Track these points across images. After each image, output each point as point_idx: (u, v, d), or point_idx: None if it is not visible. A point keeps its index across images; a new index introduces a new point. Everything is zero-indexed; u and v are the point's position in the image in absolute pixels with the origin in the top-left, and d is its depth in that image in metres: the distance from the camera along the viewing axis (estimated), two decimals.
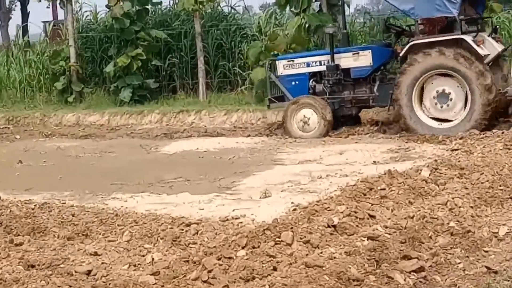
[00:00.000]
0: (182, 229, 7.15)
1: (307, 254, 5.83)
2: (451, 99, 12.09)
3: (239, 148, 12.96)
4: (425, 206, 7.14)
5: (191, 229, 7.15)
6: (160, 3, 20.79)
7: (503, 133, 11.27)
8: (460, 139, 11.53)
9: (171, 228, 7.18)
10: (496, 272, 5.29)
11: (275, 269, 5.52)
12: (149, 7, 20.08)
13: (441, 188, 8.01)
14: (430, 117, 12.28)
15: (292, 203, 8.05)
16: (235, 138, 14.18)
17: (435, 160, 9.65)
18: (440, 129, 12.22)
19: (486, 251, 6.00)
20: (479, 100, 11.79)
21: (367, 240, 6.02)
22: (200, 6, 18.50)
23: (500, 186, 7.95)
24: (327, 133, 12.95)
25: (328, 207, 7.21)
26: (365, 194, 7.74)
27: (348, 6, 20.96)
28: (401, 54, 12.48)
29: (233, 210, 8.01)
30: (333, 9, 17.51)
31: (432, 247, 5.98)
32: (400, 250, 5.74)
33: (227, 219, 7.57)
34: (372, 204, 7.28)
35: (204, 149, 13.10)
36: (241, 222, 7.45)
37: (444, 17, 12.51)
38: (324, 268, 5.35)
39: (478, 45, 11.98)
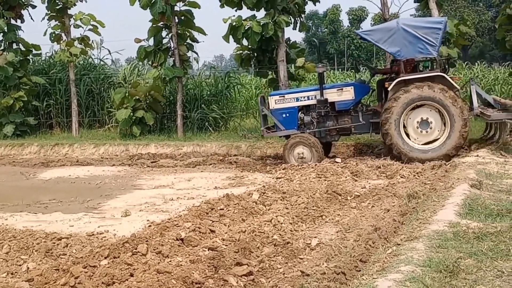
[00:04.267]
0: (54, 243, 6.89)
1: (159, 263, 5.77)
2: (431, 124, 11.80)
3: (105, 175, 12.70)
4: (255, 222, 7.20)
5: (62, 242, 6.90)
6: (40, 54, 20.29)
7: (316, 165, 11.55)
8: (283, 169, 11.76)
9: (45, 242, 6.90)
10: (308, 275, 5.38)
11: (132, 275, 5.42)
12: (30, 57, 19.70)
13: (268, 208, 8.14)
14: (416, 142, 11.88)
15: (148, 220, 7.96)
16: (102, 167, 13.88)
17: (263, 186, 9.79)
18: (425, 150, 11.77)
19: (301, 258, 6.10)
20: (457, 123, 11.56)
21: (208, 250, 6.01)
22: (74, 58, 18.20)
23: (313, 206, 8.13)
24: (322, 159, 12.28)
25: (177, 223, 7.17)
26: (207, 213, 7.75)
27: (197, 61, 21.08)
28: (389, 89, 12.00)
29: (98, 227, 7.82)
30: (185, 64, 17.60)
31: (259, 255, 6.02)
32: (234, 258, 5.75)
33: (93, 234, 7.37)
34: (213, 221, 7.30)
35: (75, 176, 12.77)
36: (105, 237, 7.28)
37: (411, 59, 12.24)
38: (172, 274, 5.30)
39: (453, 80, 11.94)
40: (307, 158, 12.35)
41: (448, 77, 11.91)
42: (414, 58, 12.29)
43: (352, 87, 12.82)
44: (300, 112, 13.00)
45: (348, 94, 12.71)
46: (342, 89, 12.86)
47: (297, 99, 13.02)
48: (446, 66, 13.00)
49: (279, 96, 13.19)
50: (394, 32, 12.11)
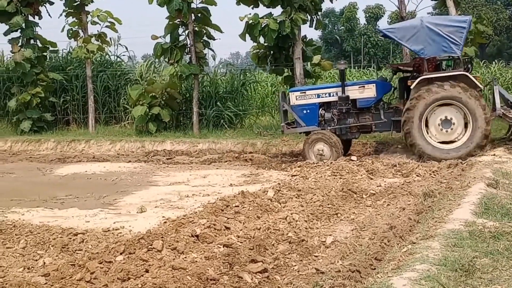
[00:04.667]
0: (70, 238, 6.94)
1: (174, 259, 5.80)
2: (453, 124, 11.68)
3: (121, 172, 12.75)
4: (270, 220, 7.22)
5: (78, 238, 6.96)
6: (57, 51, 20.41)
7: (331, 163, 11.53)
8: (299, 167, 11.74)
9: (61, 237, 6.95)
10: (323, 273, 5.38)
11: (147, 271, 5.46)
12: (47, 53, 19.85)
13: (283, 205, 8.15)
14: (437, 141, 11.74)
15: (163, 217, 7.99)
16: (118, 163, 13.93)
17: (279, 183, 9.80)
18: (446, 150, 11.65)
19: (316, 256, 6.10)
20: (480, 123, 11.44)
21: (223, 247, 6.03)
22: (91, 54, 18.29)
23: (328, 204, 8.12)
24: (340, 157, 12.13)
25: (193, 220, 7.19)
26: (222, 210, 7.76)
27: (214, 58, 21.11)
28: (412, 87, 11.85)
29: (114, 223, 7.86)
30: (201, 61, 17.64)
31: (274, 253, 6.03)
32: (249, 255, 5.76)
33: (109, 230, 7.41)
34: (228, 218, 7.31)
35: (91, 172, 12.83)
36: (120, 233, 7.32)
37: (434, 58, 12.07)
38: (187, 270, 5.33)
39: (476, 80, 11.80)
40: (326, 155, 12.29)
41: (471, 76, 11.73)
42: (437, 56, 12.15)
43: (374, 84, 12.73)
44: (321, 109, 12.91)
45: (369, 92, 12.61)
46: (363, 86, 12.77)
47: (318, 96, 12.93)
48: (469, 66, 12.87)
49: (300, 92, 13.12)
50: (418, 30, 11.96)
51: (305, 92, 13.09)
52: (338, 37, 29.32)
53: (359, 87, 12.79)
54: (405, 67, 13.52)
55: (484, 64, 23.13)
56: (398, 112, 12.41)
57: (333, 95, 12.82)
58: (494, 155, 11.26)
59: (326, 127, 12.75)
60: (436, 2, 16.94)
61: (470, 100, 11.50)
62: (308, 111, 12.91)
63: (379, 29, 13.46)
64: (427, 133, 11.83)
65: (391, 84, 13.29)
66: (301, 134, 13.64)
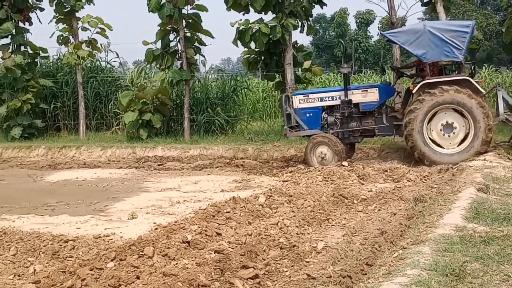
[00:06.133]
0: (61, 245, 6.91)
1: (165, 265, 5.78)
2: (455, 129, 11.74)
3: (112, 178, 12.73)
4: (261, 225, 7.21)
5: (68, 245, 6.93)
6: (48, 57, 20.39)
7: (322, 168, 11.53)
8: (290, 172, 11.76)
9: (52, 244, 6.93)
10: (314, 278, 5.38)
11: (138, 277, 5.43)
12: (38, 60, 19.82)
13: (274, 211, 8.14)
14: (438, 145, 11.82)
15: (154, 223, 7.98)
16: (109, 170, 13.92)
17: (270, 189, 9.81)
18: (447, 154, 11.73)
19: (307, 262, 6.10)
20: (482, 129, 11.51)
21: (214, 253, 6.02)
22: (82, 60, 18.28)
23: (319, 210, 8.14)
24: (342, 161, 12.11)
25: (184, 226, 7.17)
26: (214, 216, 7.75)
27: (204, 64, 21.12)
28: (414, 91, 11.95)
29: (105, 229, 7.84)
30: (192, 67, 17.66)
31: (265, 258, 6.02)
32: (240, 261, 5.75)
33: (100, 236, 7.39)
34: (219, 224, 7.30)
35: (82, 178, 12.80)
36: (111, 239, 7.30)
37: (436, 63, 12.18)
38: (178, 276, 5.31)
39: (479, 84, 11.85)
40: (328, 160, 12.30)
41: (474, 81, 11.77)
42: (439, 61, 12.20)
43: (377, 88, 12.77)
44: (324, 112, 12.94)
45: (372, 96, 12.65)
46: (367, 90, 12.80)
47: (321, 99, 12.96)
48: (473, 71, 12.89)
49: (303, 96, 13.15)
50: (420, 34, 11.98)
51: (308, 96, 13.11)
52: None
53: (362, 91, 12.82)
54: (407, 68, 13.56)
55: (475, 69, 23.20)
56: (401, 117, 12.41)
57: (336, 99, 12.85)
58: (484, 160, 11.29)
59: (329, 130, 12.77)
60: (426, 7, 17.01)
61: (472, 105, 11.53)
62: (311, 114, 12.95)
63: (383, 34, 13.49)
64: (429, 137, 11.86)
65: (394, 88, 13.33)
66: (303, 137, 13.63)
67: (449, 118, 11.79)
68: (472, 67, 13.12)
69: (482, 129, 11.55)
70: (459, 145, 11.77)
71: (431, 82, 11.84)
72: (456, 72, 12.25)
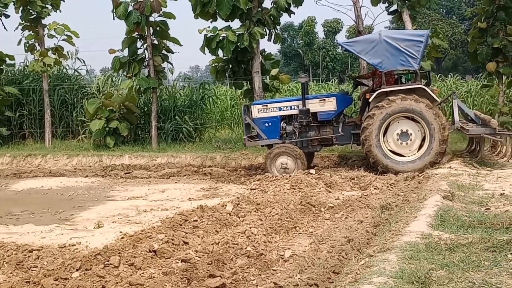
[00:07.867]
0: (25, 255, 6.81)
1: (131, 275, 5.73)
2: (411, 136, 11.88)
3: (78, 187, 12.60)
4: (228, 234, 7.19)
5: (33, 254, 6.83)
6: (13, 64, 20.10)
7: (290, 176, 11.57)
8: (258, 180, 11.77)
9: (16, 254, 6.82)
10: (281, 287, 5.36)
11: (104, 287, 5.38)
12: (3, 67, 19.47)
13: (241, 219, 8.13)
14: (394, 153, 11.96)
15: (120, 232, 7.90)
16: (75, 178, 13.78)
17: (237, 197, 9.78)
18: (402, 162, 11.89)
19: (275, 270, 6.09)
20: (436, 127, 11.66)
21: (181, 262, 5.98)
22: (48, 68, 18.08)
23: (286, 218, 8.14)
24: (304, 165, 12.27)
25: (150, 235, 7.14)
26: (181, 225, 7.73)
27: (172, 72, 21.06)
28: (370, 100, 12.07)
29: (70, 238, 7.76)
30: (160, 74, 17.58)
31: (232, 267, 6.00)
32: (207, 270, 5.72)
33: (65, 246, 7.30)
34: (186, 233, 7.27)
35: (48, 187, 12.65)
36: (77, 248, 7.21)
37: (392, 71, 12.35)
38: (144, 286, 5.27)
39: (433, 93, 11.98)
40: (290, 168, 12.33)
41: (429, 90, 11.98)
42: (395, 70, 12.37)
43: (335, 98, 12.87)
44: (282, 122, 12.99)
45: (330, 105, 12.76)
46: (324, 99, 12.91)
47: (280, 109, 13.02)
48: (429, 79, 13.10)
49: (262, 105, 13.19)
50: (376, 43, 12.15)
51: (267, 105, 13.16)
52: (300, 51, 29.40)
53: (320, 100, 12.91)
54: (364, 79, 13.71)
55: (440, 78, 23.55)
56: (358, 126, 12.54)
57: (294, 108, 12.92)
58: (450, 167, 11.44)
59: (287, 140, 12.81)
60: (392, 16, 17.19)
61: (421, 109, 11.75)
62: (270, 124, 12.99)
63: (339, 43, 13.65)
64: (388, 148, 12.02)
65: (351, 97, 13.44)
66: (262, 147, 13.67)
67: (403, 127, 12.01)
68: (428, 76, 13.32)
69: (437, 129, 11.74)
70: (418, 150, 11.96)
71: (387, 91, 12.05)
72: (412, 81, 12.42)
